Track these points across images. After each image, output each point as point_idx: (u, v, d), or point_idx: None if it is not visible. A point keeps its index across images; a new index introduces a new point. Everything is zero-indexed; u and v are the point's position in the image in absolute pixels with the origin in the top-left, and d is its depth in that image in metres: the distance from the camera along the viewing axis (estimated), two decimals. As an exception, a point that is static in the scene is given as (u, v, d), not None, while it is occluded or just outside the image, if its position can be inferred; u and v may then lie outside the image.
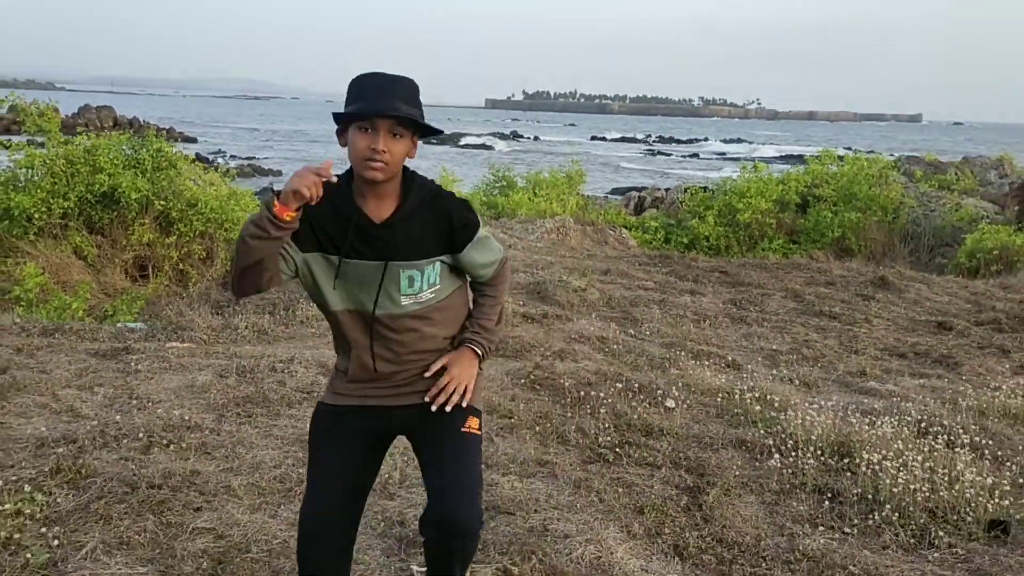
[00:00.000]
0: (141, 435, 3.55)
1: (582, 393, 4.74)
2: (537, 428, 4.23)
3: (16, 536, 2.64)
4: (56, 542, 2.64)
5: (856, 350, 6.92)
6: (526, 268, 9.15)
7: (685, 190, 18.33)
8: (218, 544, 2.82)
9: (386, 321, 2.04)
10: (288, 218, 1.84)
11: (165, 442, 3.54)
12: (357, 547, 2.50)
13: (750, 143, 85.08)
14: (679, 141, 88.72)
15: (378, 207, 2.00)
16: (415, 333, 2.07)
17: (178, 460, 3.36)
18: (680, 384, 5.09)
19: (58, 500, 2.93)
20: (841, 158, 17.33)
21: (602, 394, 4.71)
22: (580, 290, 7.94)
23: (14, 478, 2.96)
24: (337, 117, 1.99)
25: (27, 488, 2.86)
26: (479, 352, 2.15)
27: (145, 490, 3.05)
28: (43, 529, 2.71)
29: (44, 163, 8.62)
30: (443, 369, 2.10)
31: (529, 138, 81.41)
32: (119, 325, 6.24)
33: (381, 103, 1.92)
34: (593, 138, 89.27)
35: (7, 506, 2.71)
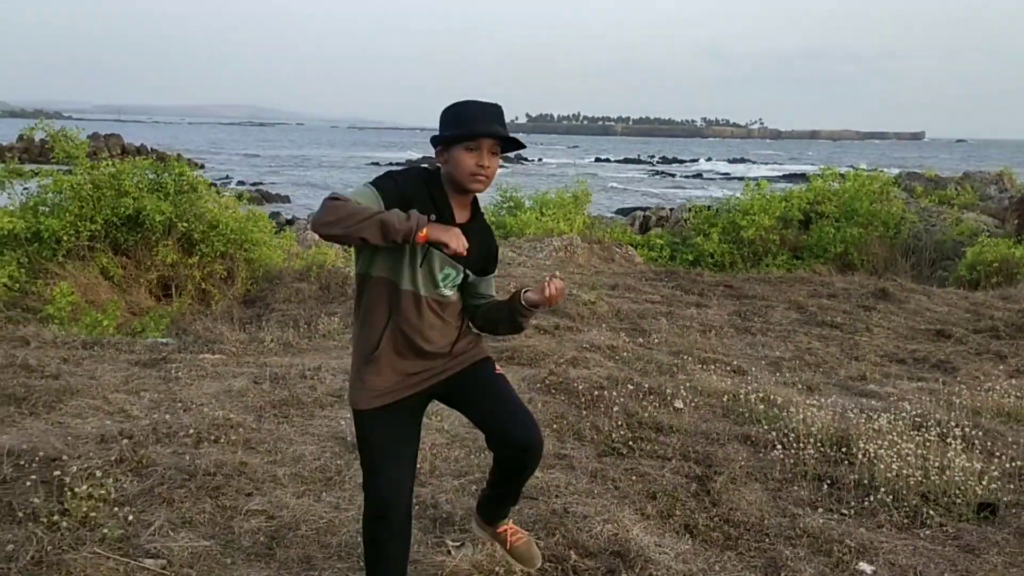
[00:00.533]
0: (191, 432, 3.86)
1: (595, 395, 5.03)
2: (554, 426, 4.51)
3: (92, 515, 2.94)
4: (129, 519, 2.94)
5: (857, 356, 7.19)
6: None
7: (689, 209, 18.64)
8: (270, 523, 3.12)
9: (435, 302, 2.37)
10: (418, 242, 2.16)
11: (213, 438, 3.84)
12: None
13: (753, 162, 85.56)
14: (682, 161, 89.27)
15: (460, 214, 2.37)
16: (447, 312, 2.41)
17: (227, 452, 3.67)
18: (688, 387, 5.38)
19: (124, 485, 3.23)
20: (843, 175, 17.64)
21: (614, 395, 5.00)
22: (590, 303, 8.24)
23: (85, 467, 3.26)
24: (437, 139, 2.33)
25: (98, 474, 3.16)
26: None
27: (201, 477, 3.35)
28: (115, 509, 3.01)
29: (72, 188, 8.97)
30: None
31: (533, 160, 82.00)
32: (150, 340, 6.55)
33: (486, 126, 2.27)
34: (597, 159, 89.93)
35: (82, 489, 3.01)
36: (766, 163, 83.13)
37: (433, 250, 2.29)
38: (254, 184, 43.48)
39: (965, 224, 15.67)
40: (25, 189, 9.45)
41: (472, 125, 2.27)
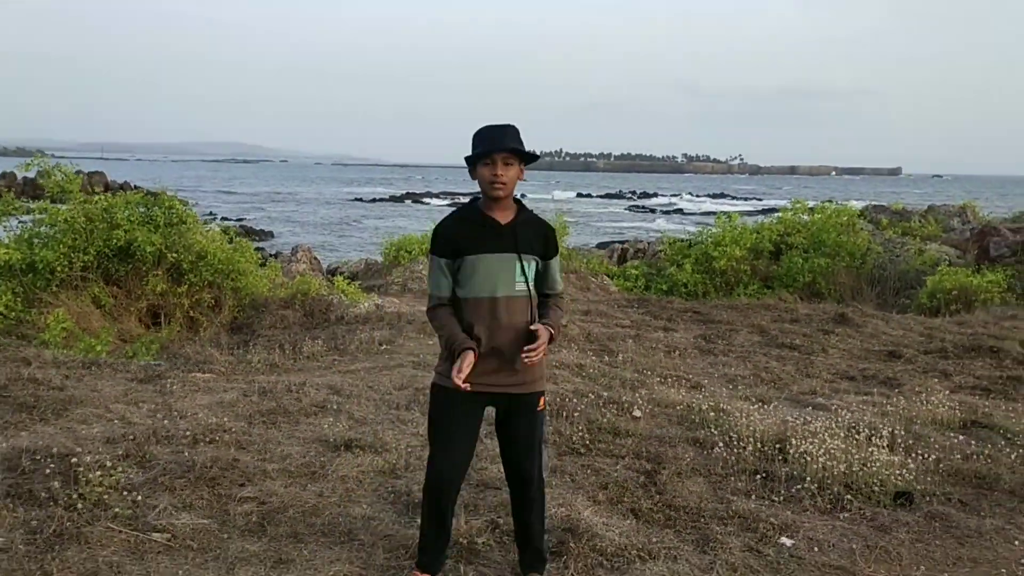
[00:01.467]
0: (187, 434, 4.27)
1: (559, 405, 5.47)
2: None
3: (105, 498, 3.35)
4: (137, 501, 3.35)
5: (810, 374, 7.68)
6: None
7: (664, 241, 19.21)
8: (261, 507, 3.53)
9: (504, 302, 2.82)
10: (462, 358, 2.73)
11: (207, 440, 4.26)
12: (376, 512, 3.33)
13: (733, 198, 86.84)
14: (663, 196, 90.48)
15: (503, 216, 2.88)
16: (517, 316, 2.85)
17: (221, 451, 4.08)
18: (646, 398, 5.84)
19: (131, 476, 3.64)
20: (811, 208, 18.30)
21: (577, 405, 5.44)
22: (562, 327, 8.69)
23: (95, 460, 3.66)
24: (468, 160, 2.86)
25: (108, 464, 3.57)
26: (552, 334, 2.89)
27: (198, 470, 3.76)
28: (124, 494, 3.42)
29: (66, 220, 9.37)
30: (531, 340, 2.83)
31: (516, 197, 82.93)
32: (143, 362, 6.94)
33: (494, 144, 2.79)
34: (579, 195, 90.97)
35: (95, 476, 3.41)
36: (745, 198, 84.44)
37: (505, 259, 2.84)
38: (238, 220, 43.89)
39: (928, 254, 16.31)
40: (20, 223, 9.84)
41: (483, 145, 2.81)
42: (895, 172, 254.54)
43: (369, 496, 3.77)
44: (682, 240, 18.34)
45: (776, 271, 16.44)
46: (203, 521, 3.32)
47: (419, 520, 3.05)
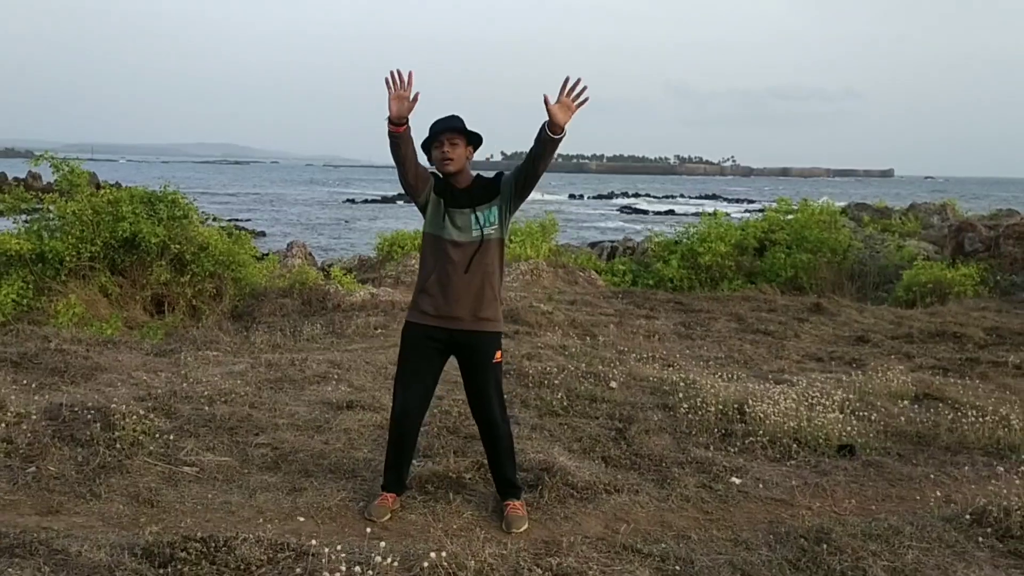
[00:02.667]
0: (205, 395, 4.79)
1: (542, 378, 5.99)
2: (506, 397, 5.44)
3: (141, 438, 3.86)
4: (167, 443, 3.85)
5: (781, 356, 8.21)
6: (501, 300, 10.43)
7: (651, 239, 19.74)
8: (275, 451, 4.05)
9: (462, 247, 3.40)
10: (397, 132, 3.24)
11: (223, 400, 4.77)
12: (375, 455, 3.90)
13: (726, 199, 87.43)
14: (655, 198, 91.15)
15: (460, 184, 3.49)
16: (472, 262, 3.41)
17: (236, 407, 4.60)
18: (624, 373, 6.36)
19: (159, 425, 4.14)
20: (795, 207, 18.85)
21: (558, 378, 5.96)
22: (548, 313, 9.23)
23: (128, 411, 4.16)
24: (423, 147, 3.46)
25: (140, 412, 4.08)
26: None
27: (218, 421, 4.29)
28: (156, 436, 3.93)
29: (74, 213, 9.85)
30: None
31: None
32: (155, 342, 7.43)
33: (439, 129, 3.42)
34: (571, 196, 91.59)
35: (129, 422, 3.92)
36: (738, 200, 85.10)
37: (462, 212, 3.42)
38: (230, 220, 44.20)
39: (906, 250, 16.88)
40: (29, 217, 10.30)
41: (431, 131, 3.45)
42: (888, 174, 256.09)
43: (369, 444, 4.28)
44: (669, 237, 18.90)
45: (760, 266, 17.00)
46: (226, 459, 3.84)
47: (391, 448, 3.60)
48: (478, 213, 3.45)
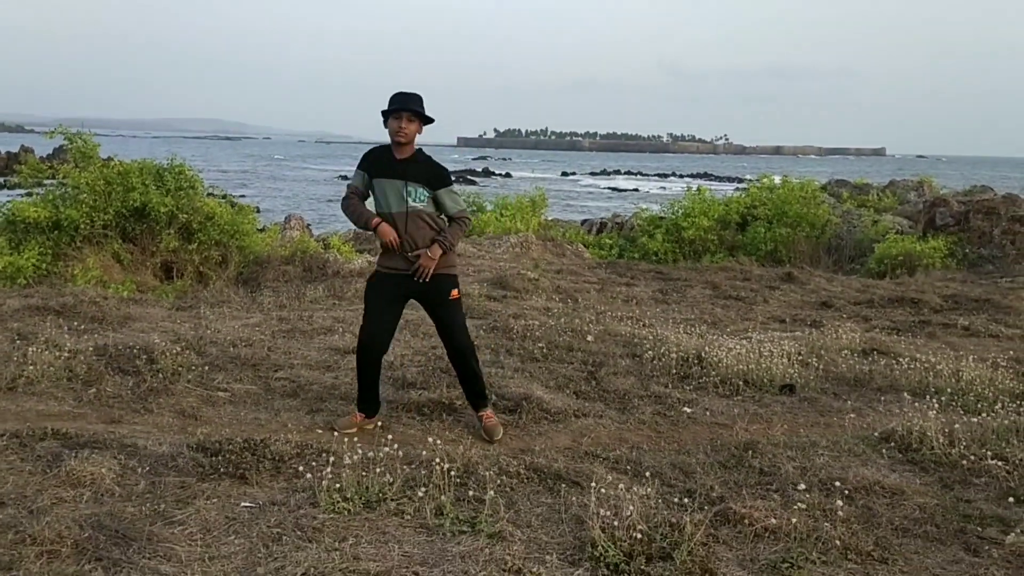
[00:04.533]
0: (227, 339, 5.46)
1: (526, 332, 6.68)
2: (493, 347, 6.17)
3: (179, 370, 4.55)
4: (203, 372, 4.54)
5: (747, 318, 8.92)
6: (491, 269, 11.12)
7: (638, 215, 20.38)
8: (293, 383, 4.76)
9: (399, 217, 4.04)
10: (377, 233, 3.98)
11: (243, 344, 5.46)
12: (381, 387, 4.54)
13: (717, 177, 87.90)
14: (648, 176, 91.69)
15: (401, 155, 4.07)
16: (414, 225, 4.05)
17: (256, 350, 5.28)
18: (600, 330, 7.05)
19: (193, 360, 4.83)
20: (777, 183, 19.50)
21: (539, 332, 6.66)
22: (533, 280, 9.91)
23: (167, 348, 4.84)
24: (383, 113, 4.04)
25: (176, 350, 4.76)
26: (443, 246, 4.11)
27: (242, 359, 4.99)
28: (192, 368, 4.61)
29: (87, 183, 10.45)
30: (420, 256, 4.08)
31: (500, 174, 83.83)
32: (171, 300, 8.09)
33: (401, 104, 4.00)
34: (564, 173, 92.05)
35: (170, 355, 4.60)
36: (730, 179, 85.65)
37: (394, 184, 4.04)
38: (223, 196, 44.59)
39: (881, 224, 17.58)
40: (42, 186, 10.90)
41: (393, 105, 4.02)
42: (879, 152, 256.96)
43: (373, 379, 4.97)
44: (655, 213, 19.57)
45: (741, 240, 17.71)
46: (252, 387, 4.54)
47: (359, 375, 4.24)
48: (409, 187, 4.02)
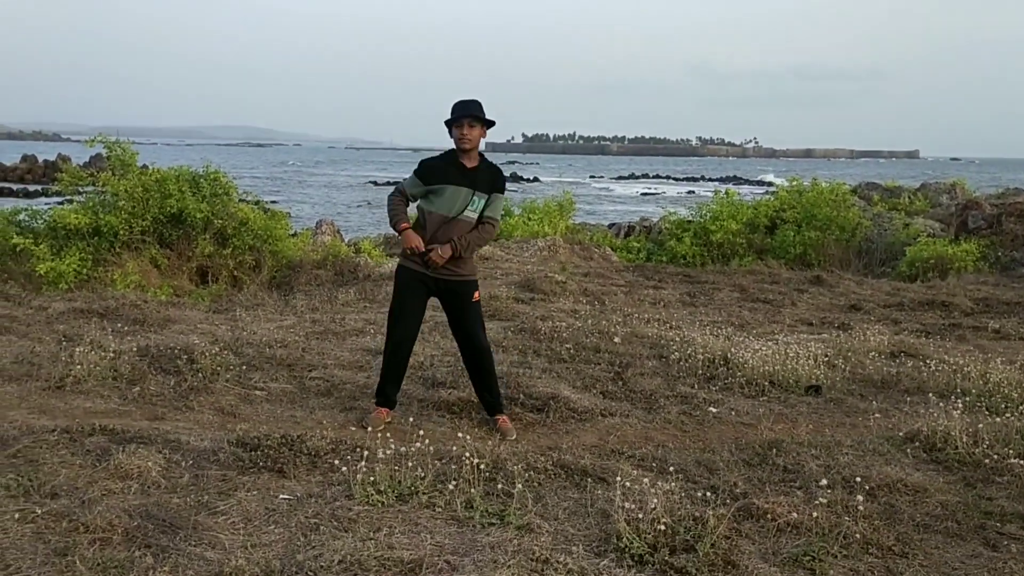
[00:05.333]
0: (263, 341, 5.63)
1: (553, 334, 6.78)
2: (520, 348, 6.27)
3: (218, 369, 4.72)
4: (240, 372, 4.70)
5: (775, 321, 8.95)
6: (519, 272, 11.23)
7: (666, 218, 20.38)
8: (327, 382, 4.91)
9: (455, 222, 4.21)
10: (403, 237, 4.19)
11: (279, 345, 5.62)
12: (411, 387, 4.72)
13: (748, 182, 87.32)
14: (677, 180, 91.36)
15: (469, 163, 4.27)
16: (454, 232, 4.23)
17: (290, 351, 5.44)
18: (627, 332, 7.13)
19: (231, 360, 4.99)
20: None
21: (567, 333, 6.75)
22: (561, 283, 10.01)
23: (206, 349, 5.02)
24: (446, 123, 4.25)
25: (214, 350, 4.93)
26: (455, 247, 4.23)
27: (277, 359, 5.15)
28: (230, 368, 4.77)
29: (126, 191, 10.73)
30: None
31: (529, 179, 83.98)
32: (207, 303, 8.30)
33: (461, 112, 4.20)
34: (591, 177, 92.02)
35: (208, 355, 4.77)
36: (760, 183, 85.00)
37: (461, 191, 4.22)
38: (257, 203, 45.13)
39: (912, 228, 17.45)
40: (80, 193, 11.20)
41: (454, 113, 4.24)
42: (913, 155, 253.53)
43: (406, 380, 5.09)
44: (683, 216, 19.57)
45: (770, 244, 17.66)
46: (288, 386, 4.69)
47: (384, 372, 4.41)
48: (475, 197, 4.22)
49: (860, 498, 3.27)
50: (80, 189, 11.45)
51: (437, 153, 4.45)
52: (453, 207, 4.19)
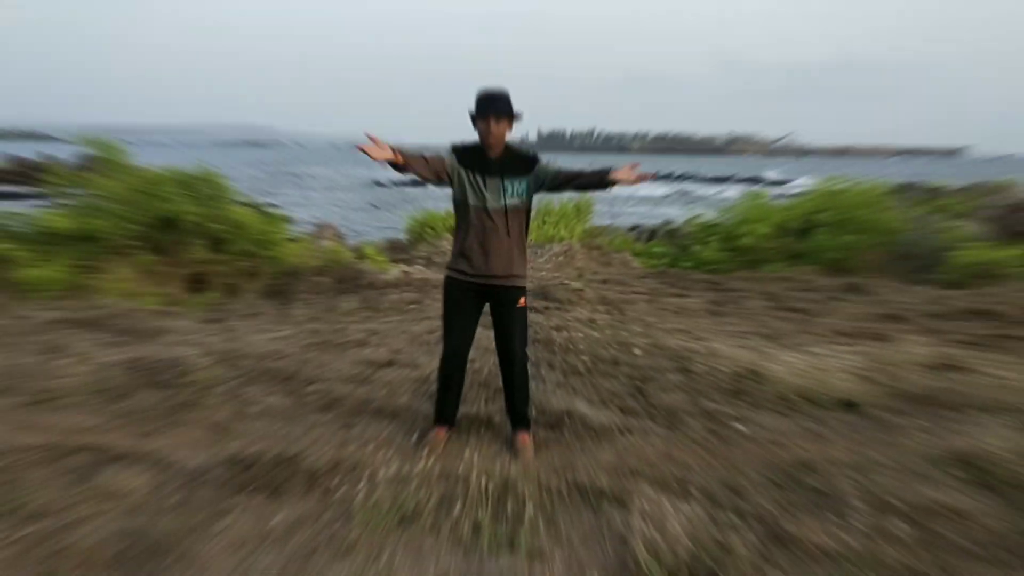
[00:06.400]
0: (258, 353, 5.64)
1: (569, 345, 6.77)
2: (532, 360, 6.24)
3: (212, 383, 4.72)
4: (234, 387, 4.71)
5: (808, 331, 8.88)
6: (532, 279, 11.23)
7: (690, 222, 20.31)
8: (326, 397, 4.90)
9: (493, 213, 4.20)
10: (398, 164, 4.03)
11: (275, 357, 5.63)
12: (414, 403, 4.69)
13: (776, 182, 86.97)
14: (703, 180, 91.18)
15: (493, 154, 4.23)
16: (505, 225, 4.21)
17: (288, 363, 5.45)
18: (648, 343, 7.11)
19: (224, 374, 5.01)
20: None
21: (583, 344, 6.73)
22: (578, 291, 9.99)
23: (197, 361, 5.03)
24: (471, 116, 4.19)
25: (206, 363, 4.94)
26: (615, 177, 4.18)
27: (273, 373, 5.15)
28: (223, 382, 4.78)
29: (116, 193, 10.80)
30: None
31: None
32: (201, 312, 8.33)
33: (488, 107, 4.13)
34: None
35: (200, 368, 4.78)
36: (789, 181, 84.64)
37: (493, 180, 4.18)
38: (253, 206, 45.35)
39: (958, 230, 17.31)
40: (67, 195, 11.29)
41: (479, 106, 4.16)
42: (960, 151, 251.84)
43: (408, 394, 5.11)
44: (708, 219, 19.50)
45: (803, 248, 17.56)
46: (285, 401, 4.70)
47: (440, 389, 4.44)
48: (506, 183, 4.21)
49: (903, 525, 3.23)
50: (67, 191, 11.56)
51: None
52: (487, 197, 4.19)
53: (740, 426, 4.88)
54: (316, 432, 4.34)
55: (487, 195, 4.20)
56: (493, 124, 4.13)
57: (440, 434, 4.35)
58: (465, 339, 4.36)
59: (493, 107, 4.13)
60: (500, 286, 4.26)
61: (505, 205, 4.21)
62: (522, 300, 4.34)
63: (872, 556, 3.08)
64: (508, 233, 4.22)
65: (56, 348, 5.51)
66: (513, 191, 4.23)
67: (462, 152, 4.26)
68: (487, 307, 4.39)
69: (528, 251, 4.44)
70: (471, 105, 4.20)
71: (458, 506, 3.25)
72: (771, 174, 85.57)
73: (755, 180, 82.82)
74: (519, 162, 4.27)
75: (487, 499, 3.30)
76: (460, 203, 4.26)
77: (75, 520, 3.06)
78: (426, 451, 4.11)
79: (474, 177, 4.21)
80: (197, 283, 11.13)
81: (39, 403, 4.53)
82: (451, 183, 4.23)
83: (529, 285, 4.18)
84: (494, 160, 4.23)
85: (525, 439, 4.39)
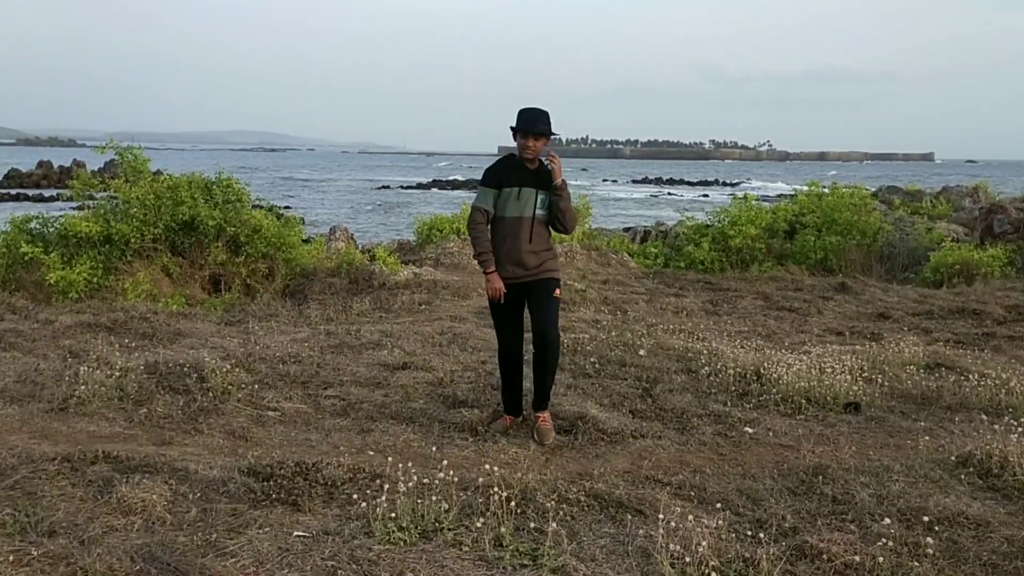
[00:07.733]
0: (276, 356, 5.39)
1: (576, 346, 6.52)
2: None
3: (229, 388, 4.48)
4: (252, 392, 4.46)
5: (803, 331, 8.65)
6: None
7: (683, 223, 20.07)
8: (343, 402, 4.66)
9: (529, 221, 4.26)
10: (488, 278, 4.28)
11: (292, 361, 5.38)
12: (430, 406, 4.52)
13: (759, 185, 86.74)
14: (690, 183, 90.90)
15: (529, 167, 4.41)
16: (540, 229, 4.33)
17: (305, 367, 5.20)
18: (652, 343, 6.86)
19: (243, 378, 4.76)
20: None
21: (590, 346, 6.49)
22: (581, 291, 9.75)
23: (217, 366, 4.78)
24: (513, 129, 4.36)
25: (226, 368, 4.69)
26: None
27: (291, 376, 4.90)
28: (241, 387, 4.53)
29: (137, 198, 10.55)
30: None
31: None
32: (220, 313, 8.08)
33: (529, 126, 4.32)
34: (604, 180, 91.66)
35: (217, 375, 4.53)
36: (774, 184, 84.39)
37: (531, 192, 4.34)
38: (270, 209, 45.11)
39: (936, 232, 17.08)
40: (93, 200, 11.03)
41: (520, 125, 4.37)
42: (928, 157, 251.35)
43: (424, 397, 4.87)
44: (700, 221, 19.26)
45: (789, 249, 17.32)
46: (302, 406, 4.45)
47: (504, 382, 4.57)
48: (540, 195, 4.36)
49: (930, 540, 2.99)
50: (92, 196, 11.30)
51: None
52: (525, 208, 4.32)
53: (749, 429, 4.64)
54: (334, 438, 4.10)
55: (524, 206, 4.34)
56: (532, 140, 4.32)
57: (505, 420, 4.52)
58: (516, 335, 4.52)
59: (534, 126, 4.33)
60: (539, 279, 4.40)
61: (535, 214, 4.35)
62: (557, 291, 4.49)
63: (898, 570, 2.85)
64: (540, 235, 4.38)
65: (78, 353, 5.26)
66: (543, 200, 4.39)
67: (498, 174, 4.41)
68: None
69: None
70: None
71: (480, 520, 3.00)
72: (754, 182, 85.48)
73: (735, 185, 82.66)
74: (545, 175, 4.43)
75: (508, 512, 3.06)
76: (500, 215, 4.37)
77: (92, 537, 2.82)
78: (487, 431, 4.37)
79: (514, 190, 4.34)
80: (216, 284, 10.89)
81: (60, 410, 4.29)
82: (494, 209, 4.38)
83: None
84: (530, 172, 4.40)
85: (546, 420, 4.42)
